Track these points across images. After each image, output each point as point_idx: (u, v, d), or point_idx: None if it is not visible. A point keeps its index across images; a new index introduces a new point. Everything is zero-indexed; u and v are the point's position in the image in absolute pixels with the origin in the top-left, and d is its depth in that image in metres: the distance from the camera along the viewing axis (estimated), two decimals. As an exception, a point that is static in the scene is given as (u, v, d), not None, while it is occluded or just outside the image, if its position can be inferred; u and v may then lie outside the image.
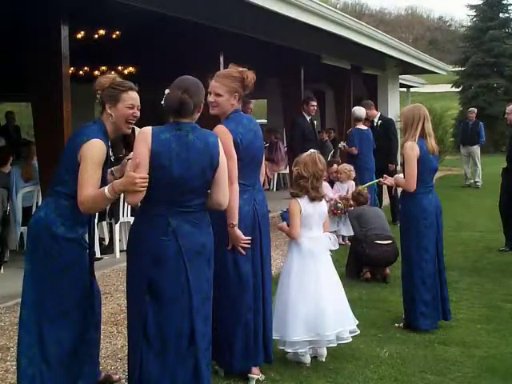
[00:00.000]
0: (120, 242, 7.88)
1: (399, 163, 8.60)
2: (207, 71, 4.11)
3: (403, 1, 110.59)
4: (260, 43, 9.66)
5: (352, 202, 7.63)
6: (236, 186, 3.89)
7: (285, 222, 4.64)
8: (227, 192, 3.56)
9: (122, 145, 7.96)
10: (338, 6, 61.01)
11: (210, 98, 3.99)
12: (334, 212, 7.83)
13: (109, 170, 3.75)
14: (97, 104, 3.69)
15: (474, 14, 32.20)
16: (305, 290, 4.34)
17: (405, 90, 23.61)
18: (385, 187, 9.46)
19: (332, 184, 8.64)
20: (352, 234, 7.36)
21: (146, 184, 3.26)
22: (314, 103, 9.65)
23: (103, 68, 12.31)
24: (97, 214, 4.91)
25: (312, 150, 4.60)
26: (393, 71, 18.37)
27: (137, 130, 4.65)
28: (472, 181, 15.84)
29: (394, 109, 18.55)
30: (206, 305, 3.45)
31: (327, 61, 12.70)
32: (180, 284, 3.34)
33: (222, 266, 3.92)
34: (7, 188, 7.35)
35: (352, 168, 8.70)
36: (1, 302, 5.86)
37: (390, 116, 14.30)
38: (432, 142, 5.08)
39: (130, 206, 7.67)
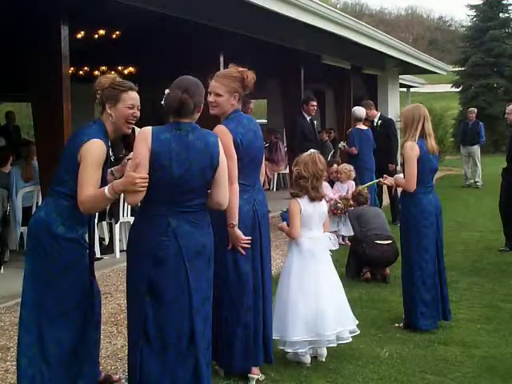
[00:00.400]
0: (120, 242, 7.88)
1: (399, 163, 8.61)
2: (207, 71, 4.11)
3: (403, 1, 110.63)
4: (260, 43, 9.67)
5: (352, 202, 7.63)
6: (236, 186, 3.89)
7: (285, 222, 4.64)
8: (227, 192, 3.56)
9: (122, 145, 7.96)
10: (338, 6, 60.96)
11: (210, 98, 3.99)
12: (334, 212, 7.83)
13: (109, 170, 3.75)
14: (97, 104, 3.69)
15: (474, 14, 32.16)
16: (305, 290, 4.34)
17: (405, 90, 23.61)
18: (385, 187, 9.47)
19: (332, 184, 8.64)
20: (352, 234, 7.36)
21: (146, 184, 3.26)
22: (314, 103, 9.65)
23: (103, 68, 12.30)
24: (97, 213, 4.91)
25: (312, 150, 4.60)
26: (393, 71, 18.36)
27: (137, 130, 4.66)
28: (472, 181, 15.84)
29: (393, 109, 18.54)
30: (206, 305, 3.45)
31: (327, 61, 12.69)
32: (180, 284, 3.34)
33: (222, 266, 3.92)
34: (7, 188, 7.35)
35: (352, 168, 8.70)
36: (1, 302, 5.86)
37: (390, 116, 14.31)
38: (432, 142, 5.08)
39: (130, 206, 7.67)
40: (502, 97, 28.81)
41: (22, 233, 7.35)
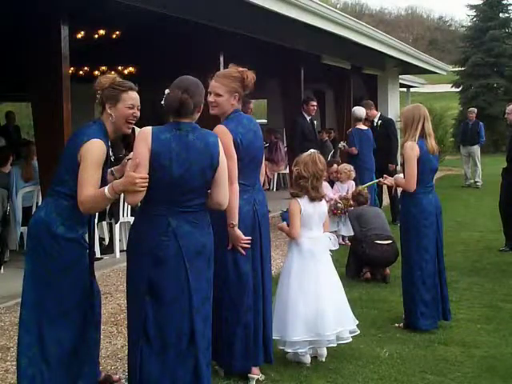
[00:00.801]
0: (120, 242, 7.88)
1: (399, 163, 8.60)
2: (207, 71, 4.11)
3: (403, 1, 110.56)
4: (260, 43, 9.67)
5: (352, 202, 7.63)
6: (236, 186, 3.89)
7: (285, 222, 4.64)
8: (227, 192, 3.56)
9: (122, 145, 7.96)
10: (338, 6, 60.90)
11: (210, 98, 3.99)
12: (334, 212, 7.83)
13: (109, 170, 3.75)
14: (97, 104, 3.69)
15: (474, 14, 32.15)
16: (305, 290, 4.34)
17: (405, 90, 23.61)
18: (385, 187, 9.47)
19: (332, 184, 8.64)
20: (352, 234, 7.36)
21: (146, 184, 3.26)
22: (314, 103, 9.66)
23: (103, 68, 12.31)
24: (97, 213, 4.91)
25: (312, 150, 4.60)
26: (393, 71, 18.36)
27: (137, 130, 4.67)
28: (472, 181, 15.84)
29: (394, 109, 18.54)
30: (205, 305, 3.45)
31: (327, 61, 12.70)
32: (180, 284, 3.34)
33: (222, 266, 3.92)
34: (7, 188, 7.35)
35: (352, 168, 8.70)
36: (1, 302, 5.86)
37: (390, 116, 14.31)
38: (432, 142, 5.08)
39: (130, 206, 7.67)
40: (502, 97, 28.81)
41: (22, 233, 7.35)
